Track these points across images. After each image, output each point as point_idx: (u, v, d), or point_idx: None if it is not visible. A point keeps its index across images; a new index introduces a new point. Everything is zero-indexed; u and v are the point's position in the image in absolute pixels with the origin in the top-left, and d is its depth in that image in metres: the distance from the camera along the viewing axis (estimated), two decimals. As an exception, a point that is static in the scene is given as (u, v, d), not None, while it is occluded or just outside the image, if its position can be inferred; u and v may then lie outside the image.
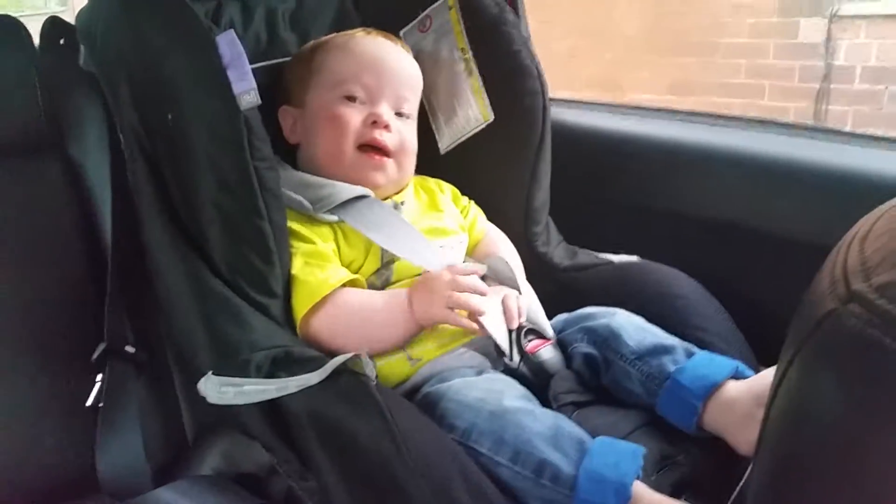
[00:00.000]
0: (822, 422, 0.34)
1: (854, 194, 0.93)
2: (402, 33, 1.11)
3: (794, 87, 3.43)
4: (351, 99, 0.93)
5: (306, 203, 0.88)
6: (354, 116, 0.92)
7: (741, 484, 0.65)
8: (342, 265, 0.87)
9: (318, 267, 0.84)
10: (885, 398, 0.31)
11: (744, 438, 0.72)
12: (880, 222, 0.41)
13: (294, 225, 0.86)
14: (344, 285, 0.84)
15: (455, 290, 0.80)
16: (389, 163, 0.94)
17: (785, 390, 0.37)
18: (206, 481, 0.80)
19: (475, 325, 0.80)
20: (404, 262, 0.89)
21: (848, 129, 3.22)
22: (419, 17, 1.11)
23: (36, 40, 1.03)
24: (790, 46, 3.41)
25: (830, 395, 0.34)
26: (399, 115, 0.96)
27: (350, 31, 1.00)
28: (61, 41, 1.00)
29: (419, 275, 0.89)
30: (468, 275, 0.83)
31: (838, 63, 3.35)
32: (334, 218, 0.88)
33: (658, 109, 1.32)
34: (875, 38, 3.26)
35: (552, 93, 1.08)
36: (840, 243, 0.41)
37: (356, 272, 0.87)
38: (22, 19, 1.04)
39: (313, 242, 0.86)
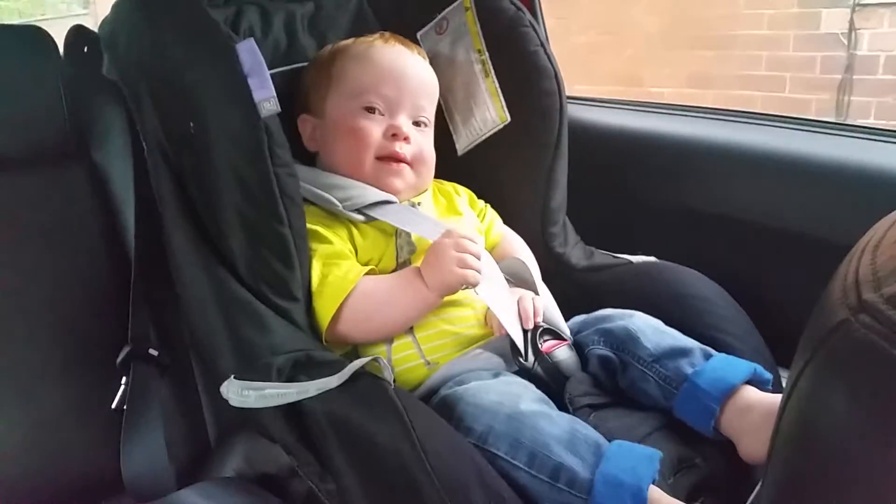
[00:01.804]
0: (832, 433, 0.35)
1: (877, 192, 0.92)
2: (419, 35, 1.11)
3: (815, 78, 3.38)
4: (370, 110, 0.94)
5: (335, 201, 0.89)
6: (374, 129, 0.93)
7: (757, 489, 0.65)
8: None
9: (336, 266, 0.85)
10: (894, 408, 0.32)
11: (751, 447, 0.73)
12: (893, 230, 0.41)
13: (312, 225, 0.87)
14: None
15: (459, 250, 0.82)
16: (407, 169, 0.95)
17: (795, 400, 0.38)
18: (228, 483, 0.81)
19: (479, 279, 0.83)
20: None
21: (871, 120, 3.18)
22: (436, 20, 1.11)
23: (58, 43, 1.05)
24: (811, 37, 3.36)
25: (840, 406, 0.35)
26: (416, 124, 0.97)
27: (368, 38, 1.00)
28: (85, 49, 1.02)
29: None
30: (466, 238, 0.84)
31: (861, 53, 3.29)
32: (361, 218, 0.90)
33: (676, 106, 1.31)
34: (899, 26, 3.21)
35: (573, 87, 1.07)
36: (853, 251, 0.41)
37: None
38: (44, 23, 1.06)
39: (331, 242, 0.88)
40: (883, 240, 0.40)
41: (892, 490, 0.32)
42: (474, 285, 0.83)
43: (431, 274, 0.83)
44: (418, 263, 0.89)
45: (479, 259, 0.83)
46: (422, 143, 0.96)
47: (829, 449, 0.35)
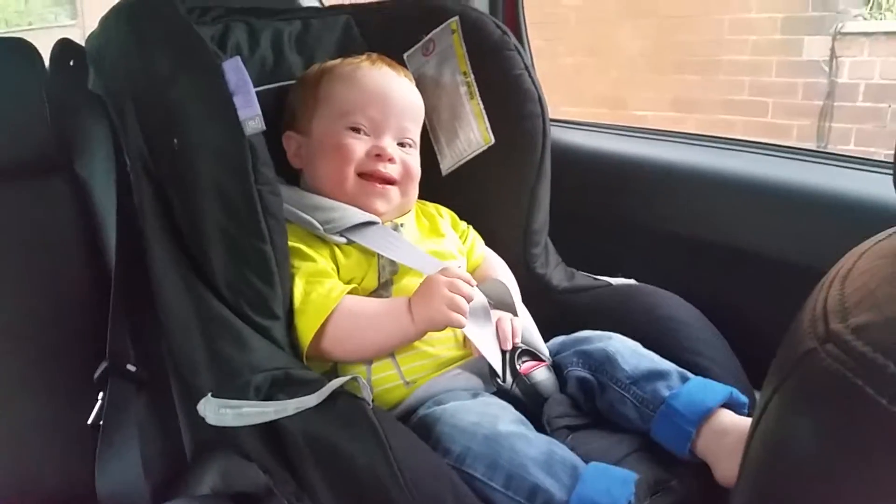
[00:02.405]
0: (798, 459, 0.35)
1: (854, 219, 0.94)
2: (405, 56, 1.12)
3: (797, 104, 3.43)
4: (356, 130, 0.94)
5: (316, 223, 0.89)
6: (358, 147, 0.93)
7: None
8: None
9: (319, 283, 0.85)
10: (859, 440, 0.32)
11: (727, 470, 0.73)
12: (861, 261, 0.42)
13: (295, 244, 0.87)
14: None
15: (453, 290, 0.81)
16: (393, 190, 0.95)
17: (764, 425, 0.38)
18: (204, 501, 0.81)
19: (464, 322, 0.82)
20: (402, 284, 0.90)
21: (851, 146, 3.22)
22: (422, 41, 1.12)
23: (44, 53, 1.05)
24: (793, 64, 3.42)
25: (806, 433, 0.35)
26: (401, 144, 0.97)
27: (355, 59, 1.01)
28: (71, 63, 1.02)
29: None
30: (462, 279, 0.83)
31: (842, 80, 3.35)
32: (342, 240, 0.90)
33: (657, 131, 1.33)
34: (878, 55, 3.27)
35: (559, 109, 1.09)
36: (823, 281, 0.42)
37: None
38: (30, 33, 1.06)
39: (314, 260, 0.88)
40: (851, 271, 0.41)
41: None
42: (459, 328, 0.83)
43: (420, 308, 0.82)
44: (401, 284, 0.90)
45: (470, 301, 0.82)
46: (407, 161, 0.97)
47: (796, 475, 0.35)
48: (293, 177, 0.99)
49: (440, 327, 0.83)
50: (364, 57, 1.02)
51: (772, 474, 0.38)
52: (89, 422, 0.90)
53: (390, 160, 0.94)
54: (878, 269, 0.39)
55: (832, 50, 3.35)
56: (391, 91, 0.98)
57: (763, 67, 3.48)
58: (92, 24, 0.94)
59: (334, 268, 0.89)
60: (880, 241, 0.44)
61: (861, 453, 0.32)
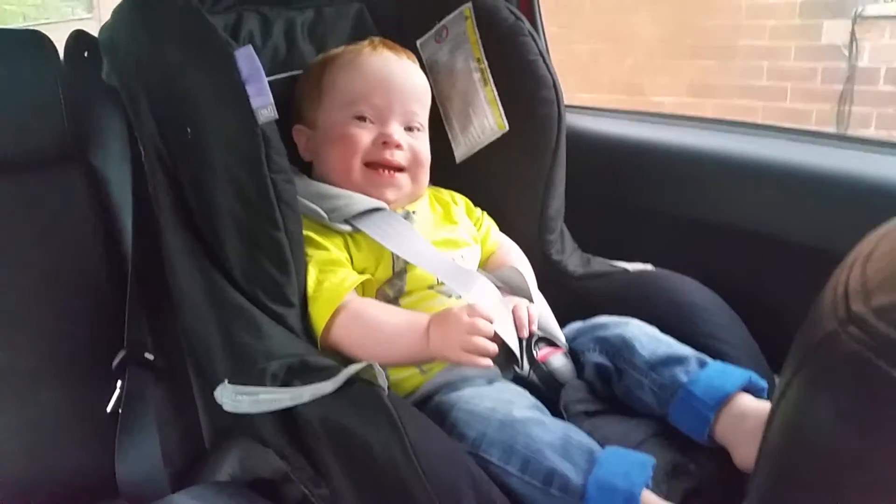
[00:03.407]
0: (818, 442, 0.35)
1: (873, 202, 0.92)
2: (418, 44, 1.12)
3: (816, 88, 3.39)
4: (361, 119, 0.94)
5: (322, 212, 0.89)
6: (364, 136, 0.93)
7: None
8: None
9: (332, 272, 0.85)
10: (880, 423, 0.32)
11: (746, 455, 0.73)
12: (884, 242, 0.41)
13: (308, 232, 0.87)
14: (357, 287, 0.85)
15: (472, 333, 0.76)
16: (402, 177, 0.95)
17: (784, 409, 0.38)
18: (222, 487, 0.82)
19: (486, 363, 0.76)
20: (417, 273, 0.90)
21: (871, 131, 3.18)
22: (435, 28, 1.12)
23: (60, 47, 1.06)
24: (812, 48, 3.37)
25: (827, 416, 0.35)
26: (409, 129, 0.97)
27: (357, 46, 1.00)
28: (85, 54, 1.03)
29: (432, 286, 0.90)
30: (486, 319, 0.77)
31: (862, 64, 3.31)
32: (348, 228, 0.89)
33: (673, 116, 1.32)
34: (902, 38, 3.23)
35: (575, 96, 1.08)
36: (844, 262, 0.41)
37: None
38: (48, 27, 1.07)
39: (327, 249, 0.88)
40: (873, 252, 0.40)
41: (874, 498, 0.32)
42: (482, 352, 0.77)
43: (437, 339, 0.78)
44: (415, 272, 0.90)
45: (490, 339, 0.77)
46: (416, 146, 0.96)
47: (815, 459, 0.35)
48: (305, 167, 0.99)
49: (454, 362, 0.79)
50: (366, 43, 1.01)
51: (791, 458, 0.37)
52: (108, 410, 0.91)
53: (398, 147, 0.94)
54: (901, 249, 0.39)
55: (852, 33, 3.30)
56: (393, 76, 0.97)
57: (781, 52, 3.43)
58: (107, 17, 0.94)
59: (348, 257, 0.89)
60: (903, 222, 0.43)
61: (883, 435, 0.32)
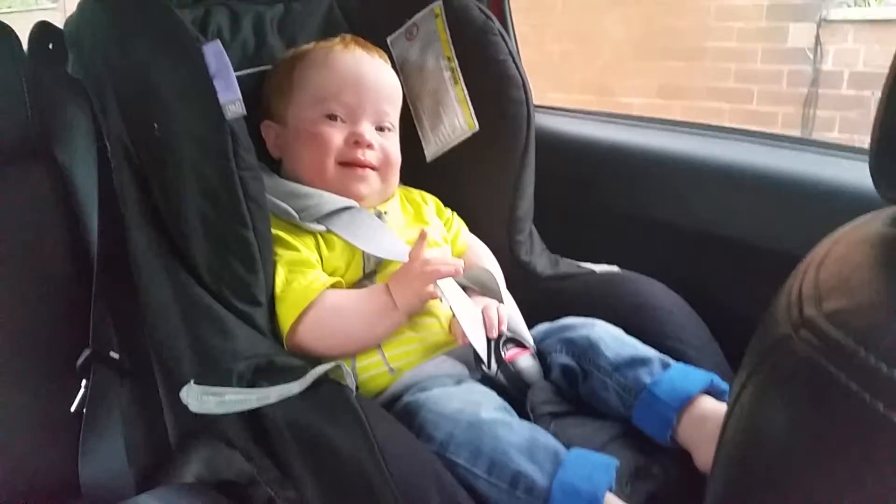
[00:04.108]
0: (771, 445, 0.35)
1: (836, 206, 0.94)
2: (389, 41, 1.12)
3: (782, 91, 3.45)
4: (332, 118, 0.93)
5: (292, 211, 0.89)
6: (336, 136, 0.93)
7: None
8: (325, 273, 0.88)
9: (301, 273, 0.85)
10: (831, 427, 0.32)
11: (707, 456, 0.74)
12: (837, 247, 0.43)
13: (278, 232, 0.87)
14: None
15: (425, 265, 0.83)
16: (373, 174, 0.95)
17: (738, 412, 0.38)
18: (188, 489, 0.81)
19: (455, 270, 0.83)
20: (387, 274, 0.90)
21: (835, 134, 3.24)
22: (406, 25, 1.11)
23: (23, 37, 1.03)
24: (779, 51, 3.43)
25: (779, 419, 0.35)
26: (380, 129, 0.97)
27: (328, 43, 1.00)
28: (50, 46, 1.01)
29: None
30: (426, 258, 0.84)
31: (826, 68, 3.37)
32: (320, 227, 0.89)
33: (642, 118, 1.33)
34: (862, 43, 3.29)
35: (546, 95, 1.08)
36: (799, 267, 0.42)
37: None
38: (10, 16, 1.04)
39: (297, 249, 0.87)
40: (827, 256, 0.41)
41: (826, 501, 0.33)
42: (445, 276, 0.83)
43: (399, 291, 0.82)
44: (385, 272, 0.90)
45: (441, 266, 0.84)
46: (386, 147, 0.96)
47: (768, 462, 0.35)
48: (273, 165, 0.98)
49: (423, 303, 0.84)
50: (338, 40, 1.01)
51: (746, 460, 0.38)
52: (72, 409, 0.90)
53: (369, 146, 0.94)
54: (853, 255, 0.40)
55: (817, 37, 3.36)
56: (365, 75, 0.97)
57: (749, 54, 3.49)
58: (71, 8, 0.92)
59: (318, 258, 0.89)
60: (855, 227, 0.44)
61: (833, 439, 0.32)
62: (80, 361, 0.91)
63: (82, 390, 0.91)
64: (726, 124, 1.26)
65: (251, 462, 0.75)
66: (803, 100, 3.40)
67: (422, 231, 0.85)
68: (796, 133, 3.36)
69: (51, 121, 1.04)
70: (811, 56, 3.38)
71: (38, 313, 0.98)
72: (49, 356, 0.96)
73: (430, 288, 0.83)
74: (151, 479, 0.89)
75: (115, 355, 0.92)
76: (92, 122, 0.95)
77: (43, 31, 1.02)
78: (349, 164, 0.93)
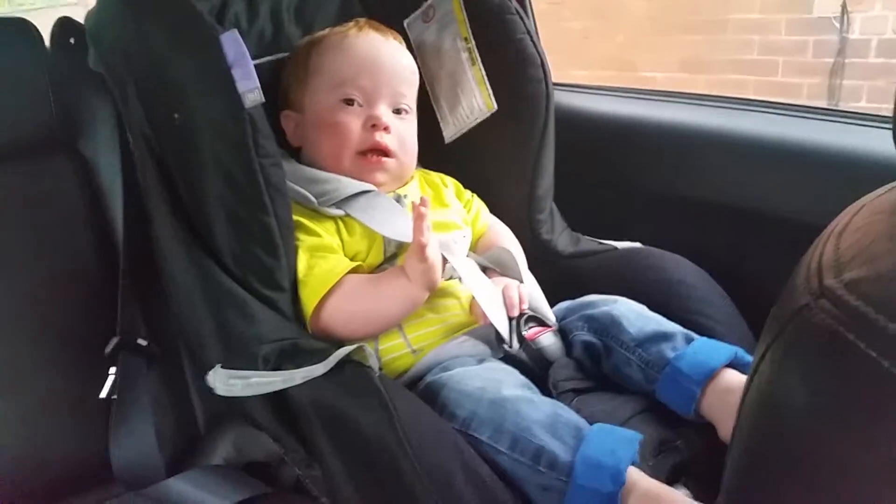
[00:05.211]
0: (791, 416, 0.35)
1: (862, 175, 0.93)
2: (406, 24, 1.11)
3: (807, 62, 3.38)
4: (349, 102, 0.94)
5: (311, 197, 0.89)
6: (354, 122, 0.93)
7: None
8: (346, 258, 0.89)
9: (323, 258, 0.86)
10: (849, 395, 0.32)
11: (729, 429, 0.72)
12: (858, 217, 0.42)
13: (299, 218, 0.88)
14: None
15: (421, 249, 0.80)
16: (390, 162, 0.95)
17: (757, 382, 0.38)
18: (217, 470, 0.83)
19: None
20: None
21: (863, 104, 3.18)
22: (422, 8, 1.11)
23: (46, 35, 1.05)
24: (803, 21, 3.35)
25: (798, 389, 0.35)
26: (397, 112, 0.97)
27: (343, 28, 1.00)
28: (71, 41, 1.02)
29: None
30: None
31: (853, 37, 3.29)
32: (339, 212, 0.90)
33: (662, 92, 1.31)
34: (891, 9, 3.21)
35: (567, 73, 1.07)
36: (820, 237, 0.42)
37: None
38: (34, 13, 1.06)
39: (318, 235, 0.88)
40: (847, 226, 0.41)
41: (850, 473, 0.32)
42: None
43: (413, 271, 0.82)
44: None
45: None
46: (403, 131, 0.96)
47: (787, 431, 0.35)
48: (293, 150, 0.99)
49: (435, 277, 0.82)
50: (352, 24, 1.01)
51: (765, 430, 0.38)
52: (102, 396, 0.92)
53: (386, 129, 0.94)
54: (874, 224, 0.39)
55: (843, 5, 3.28)
56: (380, 57, 0.97)
57: (772, 25, 3.42)
58: (93, 2, 0.93)
59: (339, 243, 0.89)
60: (877, 196, 0.44)
61: (852, 407, 0.32)
62: (108, 349, 0.93)
63: (111, 377, 0.93)
64: (751, 97, 1.24)
65: (278, 443, 0.77)
66: (829, 70, 3.33)
67: (416, 208, 0.81)
68: (823, 104, 3.29)
69: (74, 115, 1.05)
70: (837, 25, 3.30)
71: (66, 302, 1.00)
72: (77, 345, 0.98)
73: (431, 261, 0.80)
74: (182, 461, 0.91)
75: (142, 342, 0.94)
76: (114, 115, 0.97)
77: (64, 26, 1.04)
78: (367, 152, 0.93)
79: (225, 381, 0.76)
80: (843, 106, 3.23)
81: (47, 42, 1.04)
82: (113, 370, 0.92)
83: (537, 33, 1.12)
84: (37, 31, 1.04)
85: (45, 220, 1.01)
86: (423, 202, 0.80)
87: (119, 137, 0.97)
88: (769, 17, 3.41)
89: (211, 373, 0.78)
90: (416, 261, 0.80)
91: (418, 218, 0.79)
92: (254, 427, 0.80)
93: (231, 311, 0.81)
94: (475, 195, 1.08)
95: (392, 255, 0.91)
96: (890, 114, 0.42)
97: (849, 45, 3.28)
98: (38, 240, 1.00)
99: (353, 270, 0.86)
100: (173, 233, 0.85)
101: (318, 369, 0.73)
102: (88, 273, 1.01)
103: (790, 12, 3.37)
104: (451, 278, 0.90)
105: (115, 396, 0.91)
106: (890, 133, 0.42)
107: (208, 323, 0.82)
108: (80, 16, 1.03)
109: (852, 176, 0.94)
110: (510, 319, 0.86)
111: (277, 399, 0.76)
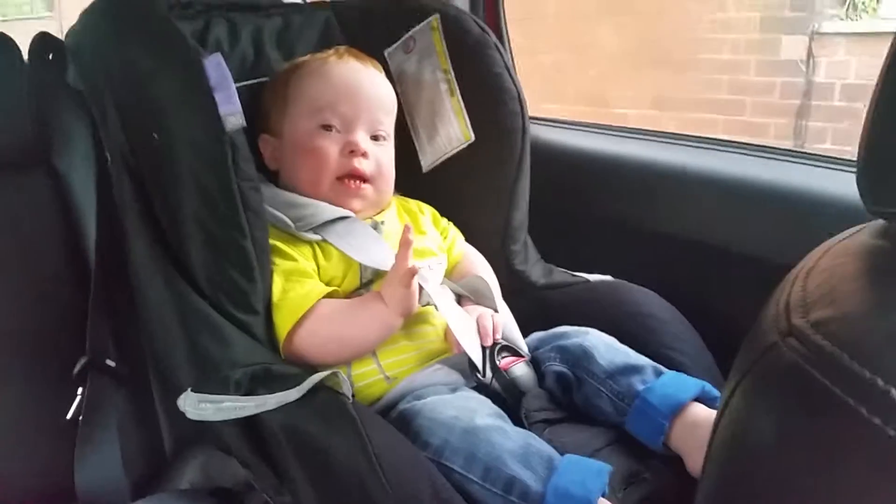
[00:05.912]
0: (758, 451, 0.36)
1: (827, 217, 0.95)
2: (386, 53, 1.13)
3: (774, 103, 3.47)
4: (327, 128, 0.94)
5: (289, 221, 0.90)
6: (332, 148, 0.94)
7: None
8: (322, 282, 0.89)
9: (298, 283, 0.86)
10: (816, 432, 0.33)
11: (698, 462, 0.73)
12: (825, 258, 0.44)
13: (276, 242, 0.88)
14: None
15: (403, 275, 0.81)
16: (367, 188, 0.96)
17: (727, 417, 0.39)
18: (183, 495, 0.82)
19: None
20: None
21: (827, 145, 3.26)
22: (403, 39, 1.13)
23: (21, 43, 1.04)
24: (771, 63, 3.45)
25: (767, 424, 0.36)
26: (375, 138, 0.98)
27: (323, 55, 1.01)
28: (50, 56, 1.02)
29: None
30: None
31: (818, 80, 3.40)
32: (316, 237, 0.90)
33: (635, 130, 1.34)
34: (854, 55, 3.32)
35: (540, 106, 1.09)
36: (788, 277, 0.44)
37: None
38: (7, 23, 1.05)
39: (294, 259, 0.88)
40: (814, 268, 0.42)
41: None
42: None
43: (389, 295, 0.83)
44: (381, 282, 0.90)
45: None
46: (380, 157, 0.97)
47: (756, 467, 0.36)
48: (270, 174, 0.99)
49: (411, 304, 0.83)
50: (332, 52, 1.02)
51: (734, 465, 0.39)
52: (68, 416, 0.90)
53: (364, 155, 0.94)
54: (839, 266, 0.41)
55: (809, 49, 3.39)
56: (360, 84, 0.98)
57: (742, 66, 3.51)
58: (68, 16, 0.94)
59: (315, 268, 0.89)
60: (843, 239, 0.45)
61: (818, 443, 0.33)
62: (76, 369, 0.91)
63: (78, 398, 0.91)
64: (720, 135, 1.27)
65: (248, 468, 0.76)
66: (796, 111, 3.42)
67: (404, 235, 0.82)
68: (789, 144, 3.38)
69: (50, 130, 1.05)
70: (804, 68, 3.41)
71: (34, 320, 0.98)
72: (46, 363, 0.96)
73: (413, 288, 0.82)
74: (147, 486, 0.90)
75: (111, 363, 0.93)
76: (91, 132, 0.96)
77: (43, 41, 1.03)
78: (345, 177, 0.94)
79: (196, 405, 0.76)
80: (808, 147, 3.32)
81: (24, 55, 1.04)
82: (80, 390, 0.91)
83: (514, 68, 1.14)
84: (14, 44, 1.03)
85: (17, 235, 1.00)
86: (408, 230, 0.80)
87: (95, 155, 0.96)
88: (739, 57, 3.50)
89: (182, 396, 0.78)
90: (400, 286, 0.81)
91: (405, 245, 0.80)
92: (223, 452, 0.79)
93: (204, 334, 0.80)
94: (451, 223, 1.09)
95: (368, 281, 0.91)
96: (854, 158, 0.44)
97: (814, 87, 3.38)
98: (9, 255, 0.99)
99: (329, 296, 0.86)
100: (148, 252, 0.85)
101: (292, 395, 0.73)
102: (60, 291, 1.00)
103: (759, 54, 3.47)
104: (427, 304, 0.91)
105: (81, 417, 0.89)
106: (854, 177, 0.43)
107: (181, 345, 0.81)
108: (52, 29, 1.03)
109: (817, 217, 0.97)
110: (484, 349, 0.87)
111: (249, 424, 0.75)
